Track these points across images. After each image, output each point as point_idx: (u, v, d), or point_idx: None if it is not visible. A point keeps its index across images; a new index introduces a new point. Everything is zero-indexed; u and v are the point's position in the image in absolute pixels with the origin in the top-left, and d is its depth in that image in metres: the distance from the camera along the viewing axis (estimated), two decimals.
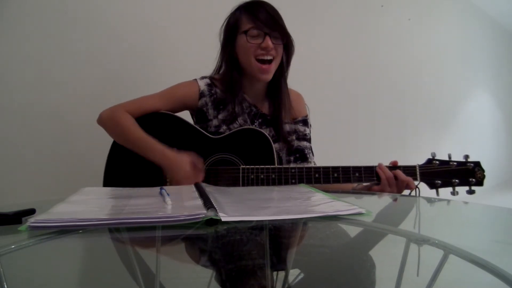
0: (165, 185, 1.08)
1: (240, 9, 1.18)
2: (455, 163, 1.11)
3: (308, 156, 1.24)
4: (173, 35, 1.78)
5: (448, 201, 0.87)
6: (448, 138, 3.84)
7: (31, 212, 0.64)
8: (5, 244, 0.53)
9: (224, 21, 1.21)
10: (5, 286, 0.41)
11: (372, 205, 0.92)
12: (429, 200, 0.93)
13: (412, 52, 3.41)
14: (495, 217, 0.78)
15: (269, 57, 1.13)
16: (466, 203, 0.87)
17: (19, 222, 0.61)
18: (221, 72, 1.24)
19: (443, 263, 0.47)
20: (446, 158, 1.13)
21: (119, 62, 1.62)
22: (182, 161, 1.02)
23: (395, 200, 0.98)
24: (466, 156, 1.13)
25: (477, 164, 1.12)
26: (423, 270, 0.47)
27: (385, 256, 0.54)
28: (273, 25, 1.12)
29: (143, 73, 1.67)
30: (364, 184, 1.12)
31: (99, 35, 1.56)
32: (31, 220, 0.55)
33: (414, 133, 3.37)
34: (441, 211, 0.87)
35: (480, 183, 1.10)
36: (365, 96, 2.88)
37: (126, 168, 1.11)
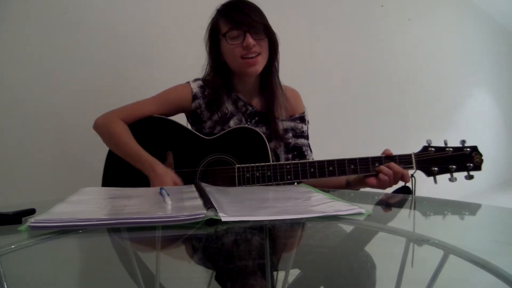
0: None
1: (217, 12, 1.18)
2: (451, 149, 1.09)
3: (306, 153, 1.24)
4: (172, 36, 1.77)
5: (448, 201, 0.87)
6: (447, 138, 3.83)
7: (31, 212, 0.64)
8: (5, 244, 0.53)
9: (207, 28, 1.20)
10: (5, 286, 0.41)
11: (372, 204, 0.91)
12: (429, 199, 0.93)
13: (412, 52, 3.40)
14: (495, 217, 0.78)
15: (253, 55, 1.12)
16: (466, 203, 0.87)
17: (19, 222, 0.61)
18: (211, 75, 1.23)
19: (443, 263, 0.47)
20: (442, 145, 1.10)
21: (119, 62, 1.62)
22: (166, 178, 1.01)
23: (394, 199, 0.98)
24: (463, 141, 1.11)
25: (474, 148, 1.09)
26: (423, 270, 0.47)
27: (385, 256, 0.54)
28: (251, 22, 1.11)
29: (143, 74, 1.67)
30: (358, 175, 1.10)
31: (99, 36, 1.56)
32: (31, 220, 0.55)
33: (413, 133, 3.36)
34: (441, 210, 0.87)
35: (478, 167, 1.08)
36: (365, 95, 2.88)
37: (124, 168, 1.11)
